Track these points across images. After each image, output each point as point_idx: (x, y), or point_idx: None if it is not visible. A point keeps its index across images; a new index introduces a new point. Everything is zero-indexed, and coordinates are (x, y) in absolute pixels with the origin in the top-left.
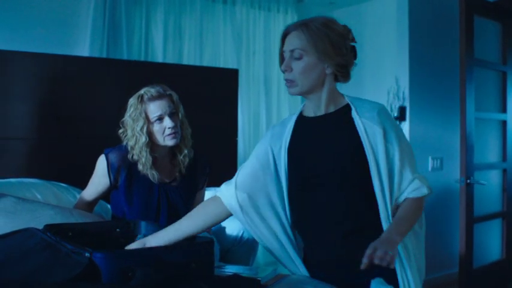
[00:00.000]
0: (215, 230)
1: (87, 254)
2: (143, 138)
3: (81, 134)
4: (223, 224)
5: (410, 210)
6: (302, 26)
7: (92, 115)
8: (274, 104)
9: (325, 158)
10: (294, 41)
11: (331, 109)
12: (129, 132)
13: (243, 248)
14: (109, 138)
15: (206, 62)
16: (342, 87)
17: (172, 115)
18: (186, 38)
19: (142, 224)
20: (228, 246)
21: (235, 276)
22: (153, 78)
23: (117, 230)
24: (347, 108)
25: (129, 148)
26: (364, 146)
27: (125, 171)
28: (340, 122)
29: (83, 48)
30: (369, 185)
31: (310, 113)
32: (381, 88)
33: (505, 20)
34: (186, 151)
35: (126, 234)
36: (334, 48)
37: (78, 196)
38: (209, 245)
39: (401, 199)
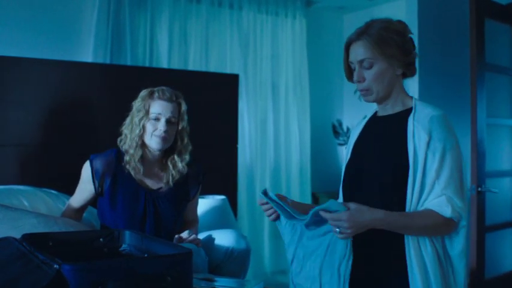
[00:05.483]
0: (205, 242)
1: (55, 266)
2: (137, 130)
3: (83, 141)
4: (213, 235)
5: (418, 214)
6: (364, 34)
7: (94, 121)
8: (282, 109)
9: (372, 158)
10: (361, 51)
11: (398, 110)
12: (127, 120)
13: (233, 264)
14: (109, 145)
15: (212, 67)
16: (349, 89)
17: (169, 122)
18: (192, 43)
19: (127, 233)
20: (217, 261)
21: None
22: (155, 84)
23: (101, 239)
24: (410, 111)
25: (125, 134)
26: (408, 151)
27: (109, 178)
28: (396, 123)
29: (87, 54)
30: (404, 190)
31: (380, 112)
32: None
33: None
34: (180, 166)
35: (110, 244)
36: (400, 50)
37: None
38: (186, 256)
39: (421, 208)
